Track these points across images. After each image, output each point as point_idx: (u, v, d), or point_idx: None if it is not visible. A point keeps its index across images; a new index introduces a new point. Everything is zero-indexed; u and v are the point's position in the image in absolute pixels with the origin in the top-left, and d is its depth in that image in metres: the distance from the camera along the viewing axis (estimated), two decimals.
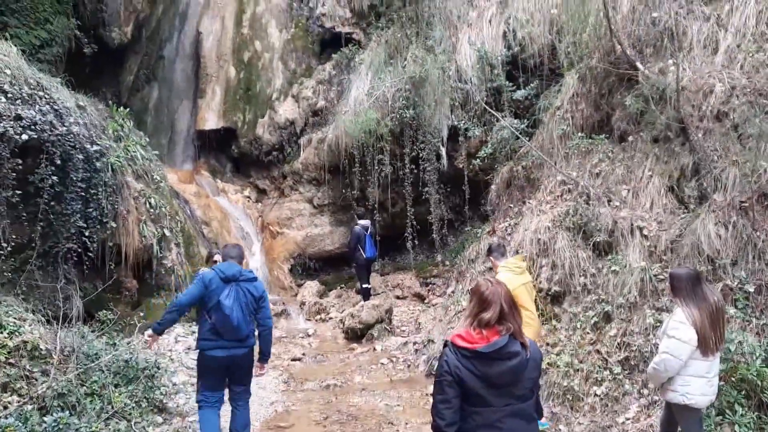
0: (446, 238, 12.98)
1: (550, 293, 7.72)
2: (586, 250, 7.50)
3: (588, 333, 6.77)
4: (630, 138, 8.00)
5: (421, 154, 12.14)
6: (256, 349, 5.57)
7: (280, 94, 15.36)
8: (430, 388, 7.31)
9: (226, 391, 5.57)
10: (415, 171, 12.26)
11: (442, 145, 12.16)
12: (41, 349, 5.85)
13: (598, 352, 6.50)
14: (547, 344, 7.11)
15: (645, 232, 6.91)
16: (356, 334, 10.06)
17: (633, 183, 7.53)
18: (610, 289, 6.87)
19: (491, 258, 6.33)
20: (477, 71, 10.77)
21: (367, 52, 13.76)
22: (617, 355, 6.22)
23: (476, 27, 11.65)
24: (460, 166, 12.37)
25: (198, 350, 5.40)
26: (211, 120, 15.43)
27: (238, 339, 5.29)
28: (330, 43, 15.64)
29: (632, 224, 7.03)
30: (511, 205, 9.69)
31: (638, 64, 7.90)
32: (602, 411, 5.80)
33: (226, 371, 5.38)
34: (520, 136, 8.95)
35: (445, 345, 3.18)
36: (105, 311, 7.66)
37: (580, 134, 8.33)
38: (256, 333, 5.55)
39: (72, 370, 5.78)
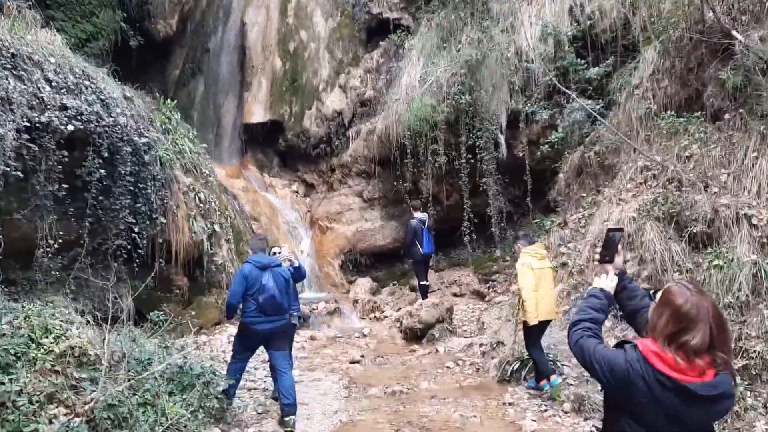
0: (505, 232, 12.22)
1: None
2: (680, 242, 6.70)
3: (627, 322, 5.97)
4: (726, 116, 7.14)
5: (477, 143, 11.43)
6: None
7: (327, 84, 14.84)
8: (506, 396, 6.65)
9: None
10: (472, 161, 11.55)
11: (501, 133, 11.41)
12: (90, 355, 5.41)
13: None
14: None
15: (754, 221, 6.08)
16: (416, 335, 9.44)
17: (734, 166, 6.69)
18: (713, 286, 6.06)
19: (518, 245, 6.92)
20: (541, 51, 9.97)
21: (417, 38, 13.10)
22: (733, 363, 5.42)
23: (537, 4, 10.85)
24: (520, 154, 11.59)
25: (245, 324, 6.24)
26: (257, 113, 15.03)
27: (280, 313, 6.19)
28: (377, 31, 15.05)
29: (737, 213, 6.20)
30: (584, 195, 8.92)
31: (735, 33, 7.02)
32: (720, 429, 5.03)
33: (265, 340, 6.28)
34: (598, 117, 8.15)
35: (622, 344, 2.46)
36: (157, 312, 7.20)
37: (669, 113, 7.48)
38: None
39: (123, 378, 5.32)
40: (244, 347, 6.38)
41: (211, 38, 16.24)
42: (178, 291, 9.83)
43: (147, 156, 8.76)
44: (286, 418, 5.94)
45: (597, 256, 2.89)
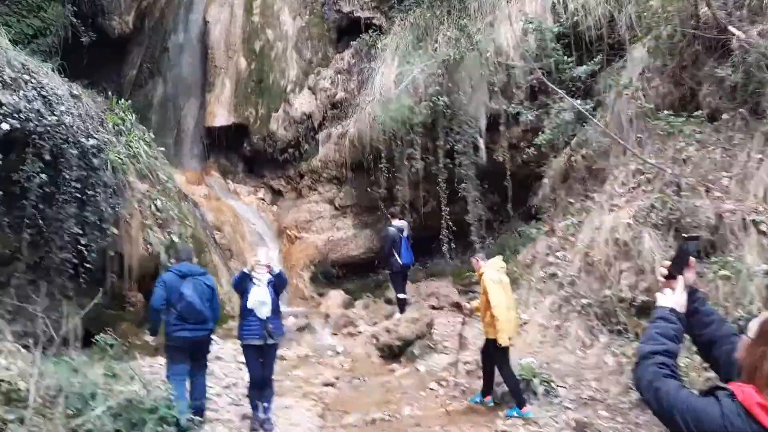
0: (484, 240, 11.66)
1: (634, 304, 6.45)
2: None
3: (697, 354, 5.45)
4: (725, 116, 6.71)
5: (456, 147, 10.87)
6: None
7: (296, 85, 14.13)
8: (498, 423, 6.02)
9: None
10: (450, 166, 10.98)
11: (480, 136, 10.88)
12: (21, 390, 4.60)
13: None
14: None
15: (763, 228, 5.62)
16: (393, 352, 8.77)
17: (736, 169, 6.24)
18: (720, 298, 5.57)
19: (476, 258, 6.75)
20: (522, 50, 9.47)
21: (390, 37, 12.52)
22: None
23: (517, 2, 10.36)
24: (500, 159, 11.08)
25: (167, 334, 6.07)
26: (220, 115, 14.22)
27: (201, 321, 6.00)
28: (348, 30, 14.43)
29: (744, 219, 5.73)
30: (571, 201, 8.42)
31: (732, 29, 6.59)
32: None
33: (190, 350, 6.07)
34: (590, 117, 7.65)
35: (712, 391, 1.83)
36: (103, 335, 6.39)
37: (667, 113, 7.01)
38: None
39: (60, 416, 4.52)
40: (174, 361, 6.13)
41: (171, 37, 15.36)
42: (131, 309, 8.99)
43: (96, 160, 7.95)
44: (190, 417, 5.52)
45: (663, 270, 2.27)
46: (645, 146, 7.47)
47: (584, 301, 6.89)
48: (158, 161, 10.31)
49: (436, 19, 11.56)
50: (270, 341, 5.79)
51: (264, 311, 5.73)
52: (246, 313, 5.81)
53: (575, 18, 9.18)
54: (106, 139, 8.59)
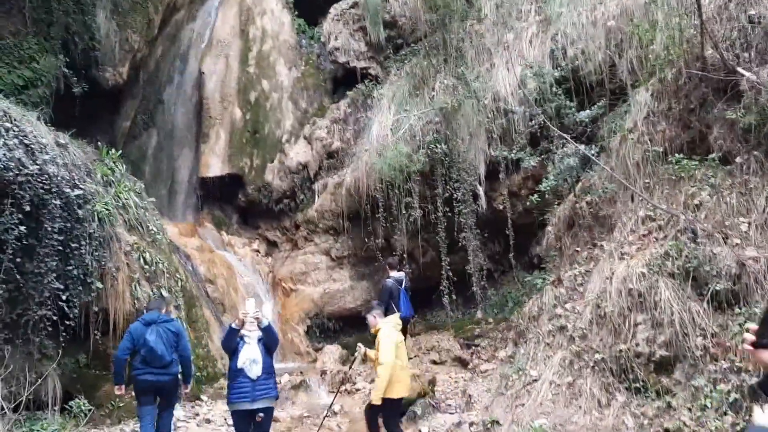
0: (486, 291, 11.26)
1: (653, 359, 6.00)
2: (700, 302, 5.82)
3: (728, 415, 5.01)
4: (738, 159, 6.44)
5: (455, 195, 10.60)
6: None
7: (291, 135, 13.98)
8: None
9: None
10: (449, 214, 10.68)
11: (480, 184, 10.64)
12: None
13: None
14: (666, 430, 5.34)
15: None
16: None
17: (754, 214, 5.92)
18: (748, 353, 5.13)
19: (373, 315, 6.52)
20: (522, 95, 9.32)
21: (387, 86, 12.44)
22: None
23: (515, 49, 10.30)
24: (501, 207, 10.82)
25: (132, 378, 6.50)
26: (214, 166, 13.99)
27: (163, 366, 6.39)
28: (343, 81, 14.41)
29: None
30: (578, 249, 8.06)
31: (741, 70, 6.40)
32: None
33: (155, 393, 6.51)
34: (597, 162, 7.39)
35: None
36: (78, 401, 5.90)
37: (678, 156, 6.75)
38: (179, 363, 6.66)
39: None
40: (141, 403, 6.53)
41: (165, 88, 15.28)
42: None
43: (81, 211, 7.63)
44: None
45: (748, 335, 1.89)
46: (654, 192, 7.18)
47: (597, 356, 6.44)
48: (148, 212, 9.97)
49: (433, 67, 11.48)
50: (262, 404, 5.31)
51: (255, 370, 5.27)
52: (235, 374, 5.35)
53: (575, 63, 9.05)
54: (92, 190, 8.28)
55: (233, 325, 5.50)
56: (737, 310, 5.57)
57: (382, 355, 6.04)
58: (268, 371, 5.42)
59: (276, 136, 14.00)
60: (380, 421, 6.42)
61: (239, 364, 5.28)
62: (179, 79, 15.40)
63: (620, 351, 6.27)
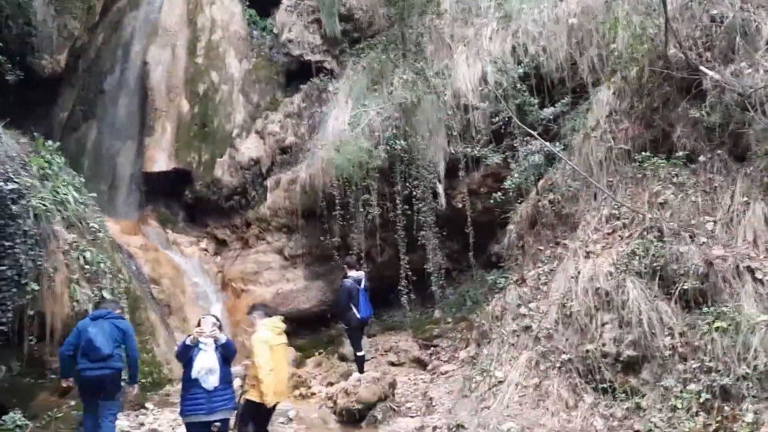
0: (444, 290, 11.08)
1: (621, 359, 5.94)
2: (668, 301, 5.78)
3: (701, 416, 4.96)
4: (702, 158, 6.45)
5: (414, 193, 10.38)
6: None
7: (242, 130, 13.45)
8: None
9: None
10: (408, 212, 10.45)
11: (439, 182, 10.45)
12: None
13: None
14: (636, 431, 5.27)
15: (759, 275, 5.25)
16: (353, 417, 7.94)
17: (719, 213, 5.93)
18: (718, 352, 5.12)
19: (254, 315, 6.47)
20: (485, 91, 9.19)
21: (343, 80, 12.11)
22: None
23: (474, 45, 10.15)
24: (460, 205, 10.67)
25: (75, 372, 6.26)
26: (160, 160, 13.30)
27: (102, 359, 6.08)
28: (297, 74, 13.96)
29: (738, 266, 5.36)
30: (541, 248, 7.98)
31: (704, 69, 6.42)
32: None
33: (94, 388, 6.17)
34: (565, 158, 7.29)
35: None
36: (13, 414, 5.37)
37: (645, 154, 6.72)
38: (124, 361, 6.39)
39: None
40: (84, 401, 6.39)
41: (107, 78, 14.43)
42: (53, 376, 7.81)
43: (15, 206, 7.01)
44: None
45: None
46: (617, 190, 7.15)
47: (564, 356, 6.34)
48: (89, 209, 9.33)
49: (391, 62, 11.21)
50: (219, 416, 4.91)
51: (211, 381, 4.88)
52: (190, 384, 4.94)
53: (537, 60, 8.98)
54: (28, 184, 7.64)
55: (188, 342, 5.07)
56: (705, 309, 5.55)
57: (256, 358, 5.89)
58: (226, 381, 5.04)
59: (226, 130, 13.44)
60: None
61: (194, 374, 4.88)
62: (122, 68, 14.59)
63: (587, 351, 6.19)
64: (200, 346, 4.98)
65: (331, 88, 12.33)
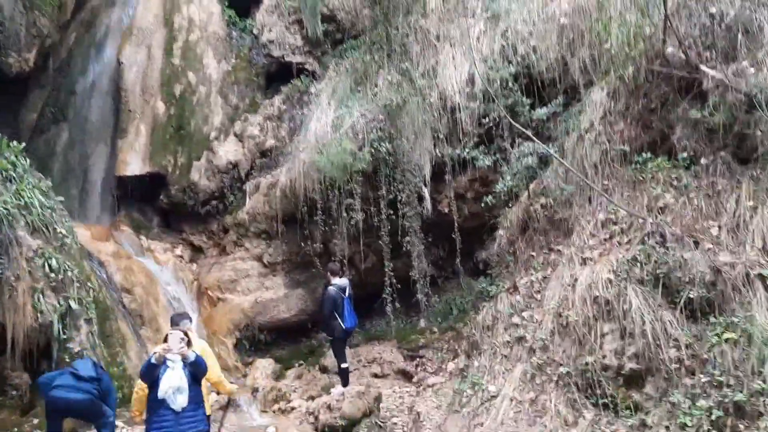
0: (429, 299, 10.71)
1: (622, 373, 5.62)
2: (672, 310, 5.48)
3: None
4: (703, 160, 6.18)
5: (399, 197, 10.01)
6: None
7: (220, 132, 12.96)
8: None
9: None
10: (393, 217, 10.08)
11: (425, 186, 10.11)
12: None
13: None
14: None
15: None
16: None
17: (724, 218, 5.65)
18: (728, 366, 4.81)
19: (185, 324, 6.06)
20: (474, 91, 8.88)
21: (326, 82, 11.73)
22: None
23: (461, 46, 9.85)
24: (446, 210, 10.34)
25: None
26: (134, 164, 12.74)
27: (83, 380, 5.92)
28: (277, 76, 13.54)
29: (748, 273, 5.06)
30: (533, 254, 7.66)
31: (705, 68, 6.16)
32: None
33: (68, 413, 6.13)
34: (560, 160, 6.98)
35: None
36: None
37: (645, 155, 6.43)
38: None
39: None
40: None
41: (79, 79, 13.85)
42: (14, 392, 7.32)
43: None
44: None
45: None
46: (613, 194, 6.85)
47: (562, 369, 6.00)
48: (56, 213, 8.79)
49: (375, 63, 10.86)
50: None
51: (180, 401, 4.41)
52: (156, 405, 4.47)
53: (527, 61, 8.69)
54: None
55: (153, 360, 4.58)
56: (713, 319, 5.24)
57: (215, 372, 5.74)
58: (196, 401, 4.57)
59: (203, 133, 12.94)
60: None
61: (160, 394, 4.41)
62: (95, 69, 14.01)
63: (586, 364, 5.86)
64: (167, 363, 4.51)
65: (313, 89, 11.95)
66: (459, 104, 9.38)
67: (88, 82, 13.95)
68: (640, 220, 6.11)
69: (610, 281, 5.89)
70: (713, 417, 4.71)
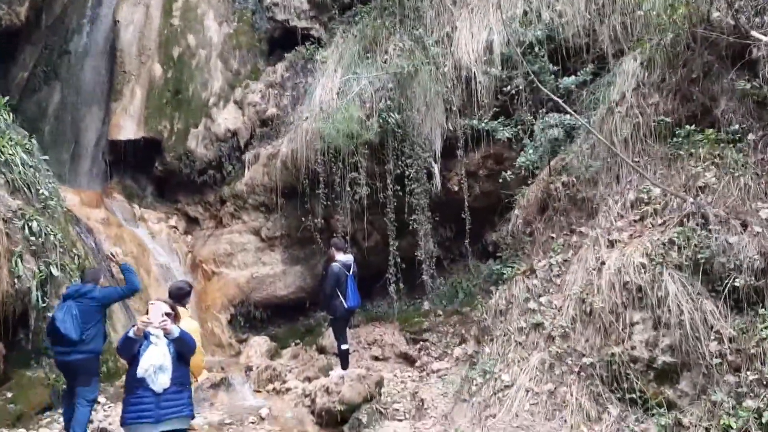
0: (434, 280, 10.17)
1: (654, 366, 5.08)
2: (715, 299, 4.93)
3: None
4: (751, 136, 5.60)
5: (407, 172, 9.42)
6: None
7: (219, 99, 12.33)
8: None
9: None
10: (399, 194, 9.51)
11: (435, 161, 9.52)
12: None
13: None
14: None
15: None
16: (334, 419, 7.01)
17: None
18: None
19: (179, 301, 5.52)
20: (485, 64, 8.28)
21: (332, 48, 11.06)
22: None
23: (480, 12, 9.21)
24: (456, 188, 9.76)
25: None
26: (128, 128, 12.15)
27: (70, 344, 5.81)
28: (281, 42, 12.87)
29: None
30: (552, 235, 7.09)
31: (757, 34, 5.56)
32: None
33: (68, 374, 6.07)
34: (592, 130, 6.39)
35: None
36: None
37: (688, 128, 5.85)
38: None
39: None
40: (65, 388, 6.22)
41: (73, 38, 13.25)
42: None
43: None
44: None
45: None
46: (646, 172, 6.26)
47: (585, 360, 5.47)
48: (39, 173, 8.21)
49: (386, 29, 10.20)
50: (169, 426, 3.91)
51: (161, 381, 3.86)
52: (134, 384, 3.92)
53: (552, 28, 8.07)
54: None
55: (130, 334, 4.02)
56: (762, 310, 4.70)
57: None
58: (181, 382, 4.02)
59: (202, 99, 12.32)
60: None
61: (139, 372, 3.85)
62: (90, 28, 13.40)
63: (612, 355, 5.32)
64: (150, 339, 3.95)
65: (318, 57, 11.25)
66: (475, 73, 8.76)
67: (83, 41, 13.34)
68: (678, 200, 5.53)
69: (643, 266, 5.33)
70: (764, 420, 4.19)
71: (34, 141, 8.70)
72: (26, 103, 12.65)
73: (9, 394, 6.73)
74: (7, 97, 8.63)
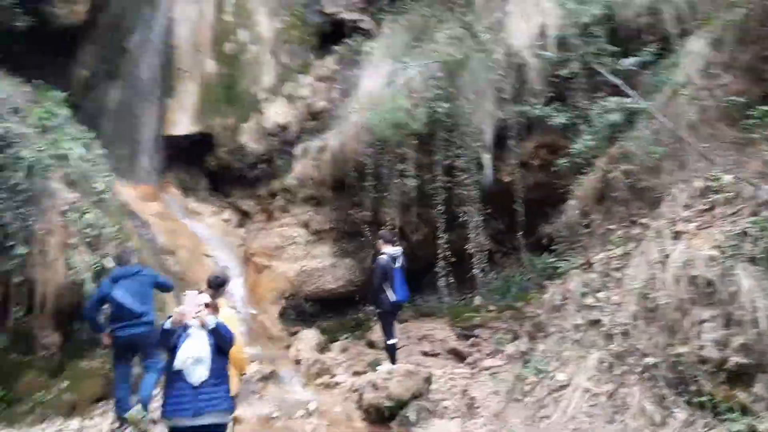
0: (486, 275, 9.87)
1: (725, 368, 4.69)
2: None
3: None
4: None
5: (456, 163, 9.18)
6: None
7: (270, 93, 12.35)
8: None
9: None
10: (449, 186, 9.27)
11: (486, 152, 9.22)
12: None
13: None
14: None
15: None
16: (382, 415, 6.88)
17: None
18: None
19: (216, 291, 5.57)
20: (538, 47, 7.94)
21: (380, 39, 10.92)
22: None
23: None
24: (508, 179, 9.44)
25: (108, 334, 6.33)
26: (182, 123, 12.34)
27: (135, 317, 6.19)
28: (331, 37, 12.79)
29: None
30: (611, 227, 6.72)
31: None
32: None
33: (127, 349, 6.32)
34: (656, 114, 6.01)
35: None
36: None
37: (764, 109, 5.40)
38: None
39: None
40: (115, 357, 6.43)
41: (130, 35, 13.53)
42: (44, 353, 6.94)
43: (1, 155, 6.04)
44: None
45: None
46: (713, 158, 5.82)
47: (648, 360, 5.12)
48: (96, 167, 8.41)
49: (435, 17, 9.97)
50: (207, 420, 3.84)
51: (198, 373, 3.78)
52: (172, 377, 3.86)
53: (609, 9, 7.64)
54: (20, 132, 6.70)
55: (167, 326, 3.95)
56: None
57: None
58: (218, 376, 3.93)
59: (253, 94, 12.38)
60: None
61: (177, 364, 3.79)
62: (146, 26, 13.63)
63: (678, 355, 4.96)
64: (189, 330, 3.88)
65: (366, 48, 11.13)
66: (528, 59, 8.41)
67: (141, 40, 13.61)
68: (751, 188, 5.10)
69: (713, 259, 4.95)
70: None
71: (93, 135, 8.91)
72: (87, 101, 13.02)
73: (64, 384, 6.88)
74: (66, 93, 8.81)
